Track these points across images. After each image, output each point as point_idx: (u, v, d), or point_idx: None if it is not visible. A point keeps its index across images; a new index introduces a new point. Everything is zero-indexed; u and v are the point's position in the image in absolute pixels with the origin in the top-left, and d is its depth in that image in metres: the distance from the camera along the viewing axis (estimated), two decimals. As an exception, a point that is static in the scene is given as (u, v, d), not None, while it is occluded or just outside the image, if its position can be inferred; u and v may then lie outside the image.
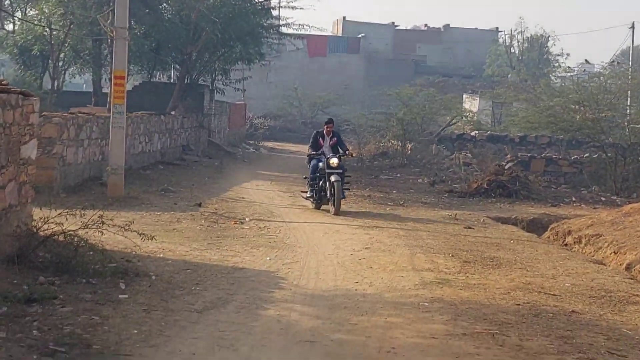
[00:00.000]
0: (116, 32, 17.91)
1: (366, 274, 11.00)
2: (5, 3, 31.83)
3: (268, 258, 11.92)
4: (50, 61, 30.31)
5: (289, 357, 7.07)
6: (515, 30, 62.13)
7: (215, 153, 32.47)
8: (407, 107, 34.63)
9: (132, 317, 7.85)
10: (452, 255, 12.66)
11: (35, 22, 29.72)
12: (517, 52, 61.65)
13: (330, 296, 9.55)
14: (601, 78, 34.00)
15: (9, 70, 44.22)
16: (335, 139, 18.41)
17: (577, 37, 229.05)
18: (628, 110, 31.82)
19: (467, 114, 40.88)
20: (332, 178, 17.21)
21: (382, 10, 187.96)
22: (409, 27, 73.58)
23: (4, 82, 9.74)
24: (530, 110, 33.08)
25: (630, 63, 47.48)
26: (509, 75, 55.29)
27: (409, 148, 33.25)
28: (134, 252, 10.89)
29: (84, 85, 59.89)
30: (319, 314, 8.61)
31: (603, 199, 23.43)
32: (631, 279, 11.77)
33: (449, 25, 70.78)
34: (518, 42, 61.90)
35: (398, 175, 27.76)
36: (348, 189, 18.81)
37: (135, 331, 7.38)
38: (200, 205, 17.21)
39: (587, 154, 27.96)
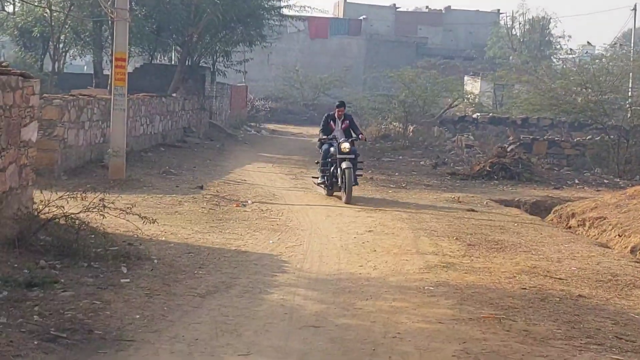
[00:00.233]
0: (117, 13, 17.78)
1: (370, 257, 10.92)
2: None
3: (271, 241, 11.84)
4: (50, 43, 30.12)
5: (293, 342, 6.98)
6: (517, 12, 62.13)
7: (217, 135, 32.39)
8: (409, 89, 34.56)
9: (134, 301, 7.77)
10: (456, 239, 12.57)
11: (36, 4, 29.49)
12: (518, 34, 61.45)
13: (334, 280, 9.47)
14: (603, 60, 33.89)
15: (10, 52, 43.97)
16: (348, 122, 17.58)
17: (579, 19, 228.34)
18: (630, 93, 31.74)
19: (469, 96, 40.74)
20: (344, 165, 16.44)
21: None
22: (410, 9, 73.33)
23: (4, 64, 9.66)
24: (532, 92, 32.96)
25: (632, 45, 47.41)
26: (511, 58, 55.07)
27: (410, 130, 33.21)
28: (135, 235, 10.79)
29: (85, 67, 59.72)
30: (323, 298, 8.53)
31: (606, 181, 23.37)
32: (637, 262, 11.68)
33: (450, 7, 70.56)
34: (519, 24, 61.80)
35: (400, 157, 27.67)
36: (361, 175, 18.15)
37: (138, 316, 7.31)
38: (202, 187, 17.14)
39: (589, 136, 27.89)
